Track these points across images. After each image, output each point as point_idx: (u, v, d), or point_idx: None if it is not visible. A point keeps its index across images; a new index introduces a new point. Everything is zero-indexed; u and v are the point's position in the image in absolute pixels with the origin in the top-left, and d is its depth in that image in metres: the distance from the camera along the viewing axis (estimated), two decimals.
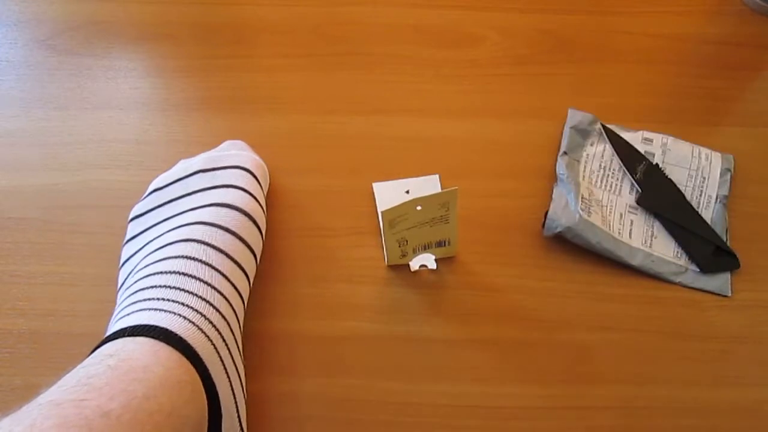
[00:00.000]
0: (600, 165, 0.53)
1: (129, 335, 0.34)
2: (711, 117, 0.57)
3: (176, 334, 0.34)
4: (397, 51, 0.60)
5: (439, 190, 0.52)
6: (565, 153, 0.52)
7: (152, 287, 0.38)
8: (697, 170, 0.53)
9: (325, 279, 0.48)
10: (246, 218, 0.44)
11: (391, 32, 0.61)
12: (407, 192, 0.52)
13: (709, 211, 0.51)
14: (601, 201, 0.51)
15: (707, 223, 0.50)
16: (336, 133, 0.55)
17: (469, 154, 0.54)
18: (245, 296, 0.43)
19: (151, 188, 0.47)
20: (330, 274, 0.48)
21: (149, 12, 0.62)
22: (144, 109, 0.56)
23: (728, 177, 0.52)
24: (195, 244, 0.41)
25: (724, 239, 0.50)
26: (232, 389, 0.38)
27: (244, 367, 0.42)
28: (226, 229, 0.42)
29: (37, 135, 0.54)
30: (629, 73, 0.59)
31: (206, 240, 0.41)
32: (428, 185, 0.52)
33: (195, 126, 0.55)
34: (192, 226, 0.42)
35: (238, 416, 0.38)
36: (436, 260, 0.48)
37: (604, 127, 0.54)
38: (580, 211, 0.49)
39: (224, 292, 0.39)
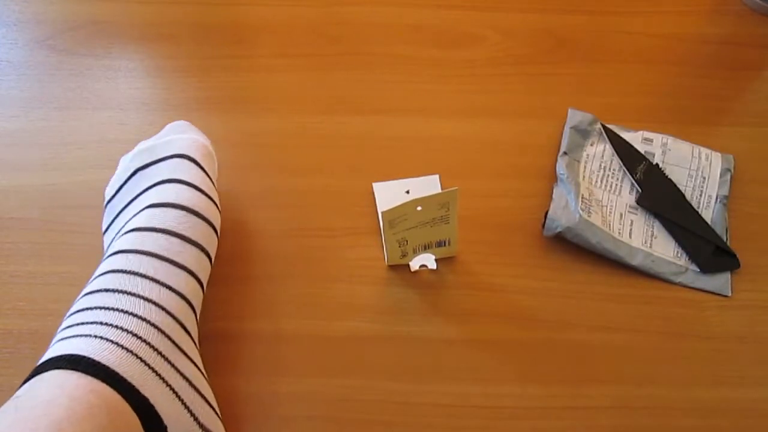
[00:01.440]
0: (600, 165, 0.53)
1: (39, 372, 0.33)
2: (711, 117, 0.57)
3: (87, 358, 0.33)
4: (397, 51, 0.60)
5: (439, 190, 0.52)
6: (565, 153, 0.52)
7: (76, 312, 0.37)
8: (697, 170, 0.53)
9: (325, 279, 0.48)
10: (185, 213, 0.42)
11: (391, 32, 0.61)
12: (407, 192, 0.52)
13: (709, 211, 0.51)
14: (601, 201, 0.51)
15: (707, 223, 0.50)
16: (336, 133, 0.55)
17: (469, 154, 0.54)
18: (192, 294, 0.40)
19: (105, 200, 0.46)
20: (330, 274, 0.48)
21: (149, 12, 0.62)
22: (144, 109, 0.56)
23: (728, 177, 0.52)
24: (122, 256, 0.39)
25: (724, 239, 0.50)
26: (179, 396, 0.36)
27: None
28: (162, 230, 0.40)
29: (37, 135, 0.54)
30: (629, 73, 0.59)
31: (135, 248, 0.39)
32: (428, 185, 0.52)
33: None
34: (125, 236, 0.40)
35: (196, 420, 0.37)
36: (436, 260, 0.48)
37: (604, 127, 0.54)
38: (580, 211, 0.49)
39: (155, 298, 0.38)
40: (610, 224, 0.50)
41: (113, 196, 0.45)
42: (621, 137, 0.54)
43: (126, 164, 0.46)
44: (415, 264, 0.48)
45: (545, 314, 0.47)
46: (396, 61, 0.59)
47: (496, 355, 0.45)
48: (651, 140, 0.54)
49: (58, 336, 0.36)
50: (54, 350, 0.34)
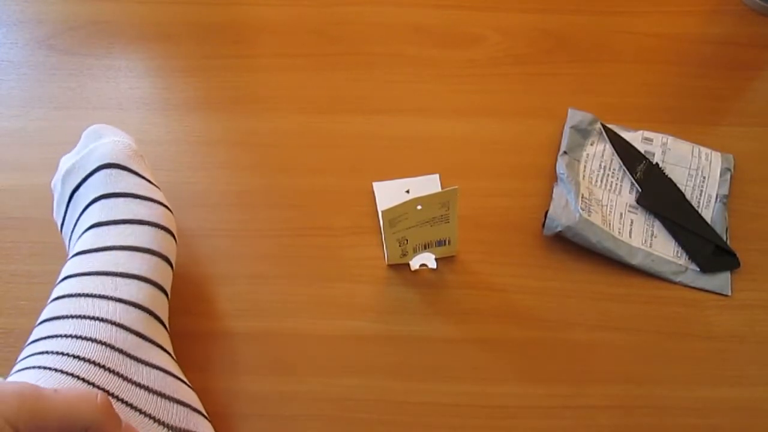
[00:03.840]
0: (600, 164, 0.53)
1: None
2: (711, 117, 0.57)
3: None
4: (397, 51, 0.60)
5: (440, 189, 0.52)
6: (565, 152, 0.52)
7: (29, 344, 0.37)
8: (697, 170, 0.53)
9: (325, 278, 0.48)
10: (126, 225, 0.41)
11: (391, 32, 0.61)
12: (407, 192, 0.52)
13: (709, 210, 0.51)
14: (601, 200, 0.51)
15: (707, 223, 0.50)
16: (336, 133, 0.55)
17: (469, 154, 0.54)
18: (147, 299, 0.39)
19: (58, 228, 0.45)
20: (330, 273, 0.48)
21: (149, 12, 0.62)
22: (144, 109, 0.56)
23: (728, 176, 0.52)
24: (67, 281, 0.39)
25: (724, 239, 0.50)
26: (135, 407, 0.36)
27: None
28: (105, 248, 0.40)
29: (37, 135, 0.54)
30: (629, 73, 0.59)
31: (80, 271, 0.39)
32: (428, 185, 0.52)
33: (195, 126, 0.55)
34: (70, 261, 0.40)
35: (164, 424, 0.36)
36: (436, 259, 0.48)
37: (604, 126, 0.54)
38: (580, 211, 0.49)
39: (102, 315, 0.37)
40: (610, 224, 0.50)
41: (62, 223, 0.44)
42: (621, 137, 0.54)
43: (60, 189, 0.44)
44: (415, 263, 0.48)
45: (545, 314, 0.47)
46: (396, 61, 0.59)
47: (496, 355, 0.45)
48: (651, 140, 0.54)
49: (15, 368, 0.36)
50: None
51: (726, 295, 0.48)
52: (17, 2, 0.63)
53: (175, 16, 0.62)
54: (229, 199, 0.51)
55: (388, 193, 0.51)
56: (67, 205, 0.44)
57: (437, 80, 0.58)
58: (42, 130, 0.55)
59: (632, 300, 0.48)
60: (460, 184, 0.48)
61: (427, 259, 0.48)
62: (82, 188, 0.43)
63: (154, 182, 0.45)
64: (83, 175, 0.43)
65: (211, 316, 0.46)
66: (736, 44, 0.61)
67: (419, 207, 0.42)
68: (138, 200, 0.42)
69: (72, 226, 0.43)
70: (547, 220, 0.49)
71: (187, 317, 0.46)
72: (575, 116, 0.55)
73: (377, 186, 0.52)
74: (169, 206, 0.44)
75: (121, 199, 0.42)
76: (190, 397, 0.39)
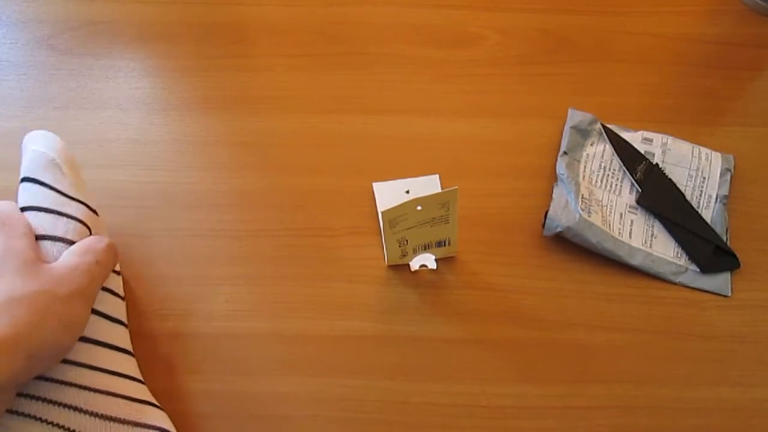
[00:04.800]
0: (600, 165, 0.53)
1: None
2: (711, 117, 0.57)
3: None
4: (397, 51, 0.60)
5: (439, 190, 0.52)
6: (565, 153, 0.52)
7: None
8: (697, 170, 0.53)
9: (325, 279, 0.48)
10: (39, 241, 0.38)
11: (391, 32, 0.61)
12: (407, 192, 0.52)
13: (709, 210, 0.51)
14: (601, 201, 0.51)
15: (707, 223, 0.50)
16: (336, 133, 0.55)
17: (469, 154, 0.54)
18: None
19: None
20: (330, 273, 0.48)
21: (149, 12, 0.62)
22: (144, 109, 0.56)
23: (728, 177, 0.52)
24: None
25: (724, 239, 0.50)
26: (61, 426, 0.36)
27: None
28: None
29: None
30: (629, 73, 0.59)
31: None
32: (428, 185, 0.52)
33: (195, 126, 0.55)
34: None
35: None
36: (436, 260, 0.48)
37: (604, 127, 0.54)
38: (580, 211, 0.49)
39: None
40: (610, 224, 0.50)
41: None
42: (621, 137, 0.54)
43: None
44: (415, 264, 0.48)
45: (545, 314, 0.47)
46: (396, 61, 0.59)
47: (496, 355, 0.45)
48: (651, 140, 0.54)
49: None
50: None
51: (726, 296, 0.48)
52: (17, 2, 0.62)
53: (175, 16, 0.62)
54: (229, 199, 0.51)
55: (388, 194, 0.51)
56: None
57: (437, 80, 0.58)
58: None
59: (632, 300, 0.48)
60: (460, 185, 0.48)
61: (427, 259, 0.48)
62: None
63: (69, 194, 0.41)
64: (17, 191, 0.41)
65: (210, 316, 0.46)
66: (736, 44, 0.61)
67: (419, 207, 0.42)
68: (47, 214, 0.40)
69: None
70: (547, 221, 0.49)
71: (185, 318, 0.46)
72: (575, 116, 0.55)
73: (377, 186, 0.52)
74: (83, 219, 0.41)
75: (31, 213, 0.39)
76: (123, 406, 0.38)
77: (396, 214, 0.42)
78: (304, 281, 0.48)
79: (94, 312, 0.40)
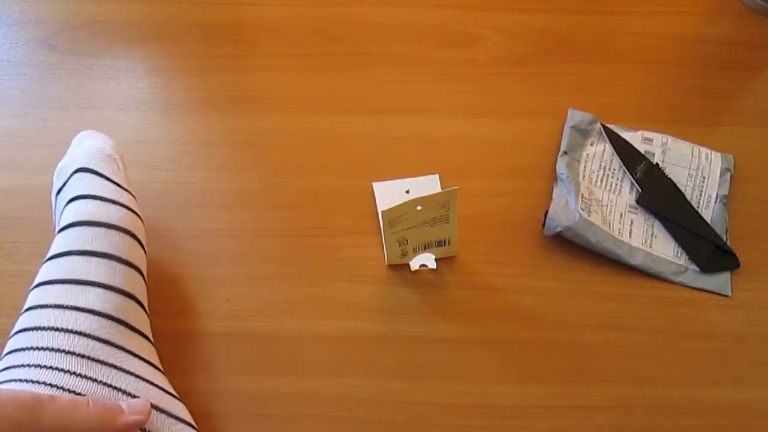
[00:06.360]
0: (600, 165, 0.53)
1: None
2: (711, 117, 0.57)
3: None
4: (396, 51, 0.60)
5: (439, 189, 0.52)
6: (565, 153, 0.52)
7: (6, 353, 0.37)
8: (697, 170, 0.53)
9: (325, 278, 0.48)
10: (84, 227, 0.40)
11: (390, 32, 0.61)
12: (407, 192, 0.52)
13: (709, 210, 0.51)
14: (601, 200, 0.51)
15: (707, 223, 0.50)
16: (336, 133, 0.55)
17: (469, 154, 0.54)
18: (109, 306, 0.39)
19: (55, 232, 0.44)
20: (330, 273, 0.48)
21: (149, 12, 0.62)
22: (144, 109, 0.56)
23: (728, 177, 0.52)
24: (34, 291, 0.39)
25: (724, 239, 0.50)
26: None
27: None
28: (63, 254, 0.39)
29: (37, 135, 0.54)
30: (629, 73, 0.59)
31: (41, 280, 0.39)
32: (428, 185, 0.52)
33: (195, 126, 0.55)
34: (40, 268, 0.40)
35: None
36: (436, 260, 0.48)
37: (604, 126, 0.54)
38: (580, 211, 0.49)
39: (61, 325, 0.37)
40: (610, 224, 0.50)
41: (54, 226, 0.44)
42: (621, 137, 0.54)
43: (52, 194, 0.45)
44: (415, 263, 0.48)
45: (545, 314, 0.47)
46: (396, 61, 0.59)
47: (496, 355, 0.45)
48: (651, 140, 0.54)
49: None
50: None
51: (726, 295, 0.48)
52: (17, 2, 0.62)
53: (175, 16, 0.62)
54: (229, 199, 0.51)
55: (388, 193, 0.51)
56: (54, 209, 0.44)
57: (437, 80, 0.58)
58: (42, 130, 0.55)
59: (632, 300, 0.48)
60: (460, 184, 0.48)
61: (427, 259, 0.48)
62: (62, 192, 0.43)
63: (124, 186, 0.44)
64: (63, 180, 0.43)
65: (210, 316, 0.46)
66: (736, 44, 0.61)
67: (419, 207, 0.42)
68: (99, 202, 0.41)
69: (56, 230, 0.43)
70: (547, 220, 0.49)
71: (186, 318, 0.46)
72: (575, 116, 0.55)
73: (377, 186, 0.52)
74: (136, 210, 0.43)
75: (83, 201, 0.41)
76: (173, 405, 0.39)
77: (396, 214, 0.42)
78: (304, 281, 0.48)
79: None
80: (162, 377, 0.40)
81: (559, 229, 0.48)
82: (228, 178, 0.52)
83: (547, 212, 0.49)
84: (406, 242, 0.46)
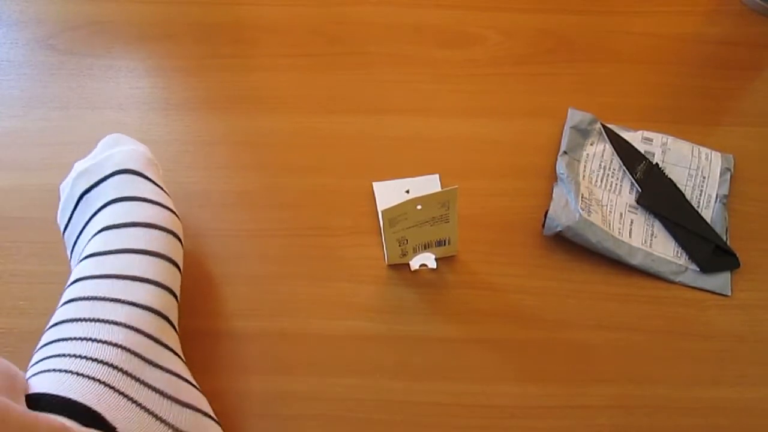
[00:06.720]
0: (600, 164, 0.53)
1: None
2: (711, 117, 0.57)
3: (45, 395, 0.33)
4: (396, 51, 0.60)
5: (439, 189, 0.52)
6: (565, 152, 0.52)
7: (41, 347, 0.37)
8: (697, 170, 0.53)
9: (325, 278, 0.48)
10: (140, 228, 0.41)
11: (390, 32, 0.61)
12: (407, 192, 0.52)
13: (708, 210, 0.51)
14: (601, 200, 0.51)
15: (707, 223, 0.50)
16: (336, 133, 0.55)
17: (469, 154, 0.54)
18: (159, 303, 0.40)
19: (61, 230, 0.45)
20: (330, 273, 0.48)
21: (149, 12, 0.62)
22: (144, 109, 0.56)
23: (728, 176, 0.52)
24: (80, 284, 0.39)
25: (724, 239, 0.50)
26: (147, 409, 0.36)
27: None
28: (118, 251, 0.40)
29: (37, 135, 0.54)
30: (629, 73, 0.59)
31: (91, 274, 0.39)
32: (428, 185, 0.52)
33: (195, 126, 0.55)
34: (82, 263, 0.40)
35: (172, 427, 0.37)
36: (436, 259, 0.48)
37: (604, 126, 0.54)
38: (580, 211, 0.49)
39: (115, 318, 0.37)
40: (610, 223, 0.50)
41: (67, 225, 0.44)
42: (621, 137, 0.54)
43: (69, 190, 0.44)
44: (415, 263, 0.48)
45: (545, 314, 0.47)
46: (396, 61, 0.59)
47: (496, 355, 0.45)
48: (651, 140, 0.54)
49: (31, 367, 0.36)
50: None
51: (726, 295, 0.48)
52: (17, 2, 0.63)
53: (175, 16, 0.62)
54: (229, 199, 0.51)
55: (388, 193, 0.51)
56: (75, 207, 0.44)
57: (437, 80, 0.58)
58: (42, 130, 0.55)
59: (632, 300, 0.48)
60: (460, 184, 0.48)
61: (427, 259, 0.48)
62: (94, 191, 0.43)
63: (165, 190, 0.45)
64: (97, 179, 0.43)
65: (210, 316, 0.46)
66: (736, 44, 0.61)
67: (419, 207, 0.42)
68: (151, 204, 0.43)
69: (80, 229, 0.43)
70: (547, 220, 0.49)
71: (185, 317, 0.46)
72: (575, 116, 0.55)
73: (377, 186, 0.52)
74: (177, 213, 0.45)
75: (136, 203, 0.42)
76: (200, 401, 0.40)
77: (396, 214, 0.42)
78: (304, 281, 0.48)
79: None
80: (188, 370, 0.41)
81: (559, 229, 0.48)
82: (228, 178, 0.52)
83: (547, 212, 0.49)
84: (406, 242, 0.46)
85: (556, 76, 0.59)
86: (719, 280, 0.48)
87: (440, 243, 0.47)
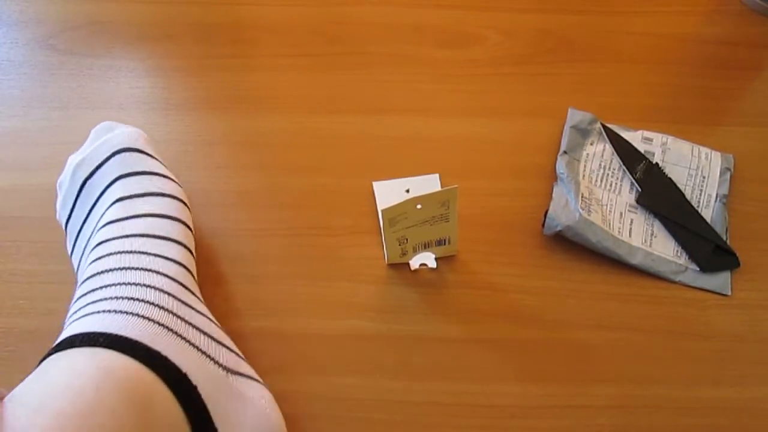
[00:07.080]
0: (600, 164, 0.53)
1: (57, 351, 0.33)
2: (711, 117, 0.57)
3: (100, 333, 0.34)
4: (396, 51, 0.60)
5: (439, 189, 0.52)
6: (565, 152, 0.52)
7: (79, 298, 0.38)
8: (697, 169, 0.53)
9: (325, 278, 0.48)
10: (155, 197, 0.43)
11: (390, 32, 0.61)
12: (407, 191, 0.52)
13: (708, 210, 0.51)
14: (601, 200, 0.51)
15: (707, 222, 0.50)
16: (336, 133, 0.55)
17: (469, 154, 0.54)
18: (185, 260, 0.41)
19: (62, 223, 0.45)
20: (330, 273, 0.48)
21: (149, 12, 0.62)
22: (144, 109, 0.56)
23: (728, 176, 0.52)
24: (104, 245, 0.40)
25: (724, 238, 0.50)
26: (197, 347, 0.37)
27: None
28: (139, 215, 0.41)
29: (37, 135, 0.54)
30: (629, 73, 0.59)
31: (115, 235, 0.40)
32: (428, 184, 0.52)
33: (195, 126, 0.55)
34: (101, 230, 0.41)
35: (218, 364, 0.37)
36: (436, 259, 0.48)
37: (604, 126, 0.54)
38: (580, 210, 0.49)
39: (149, 266, 0.39)
40: (610, 223, 0.50)
41: (69, 216, 0.45)
42: (621, 136, 0.54)
43: (68, 183, 0.45)
44: (415, 263, 0.48)
45: (545, 314, 0.47)
46: (396, 61, 0.59)
47: (496, 355, 0.45)
48: (651, 139, 0.54)
49: (68, 321, 0.37)
50: (68, 331, 0.35)
51: (726, 295, 0.48)
52: (17, 2, 0.63)
53: (175, 16, 0.62)
54: (229, 199, 0.51)
55: (388, 193, 0.51)
56: (77, 197, 0.44)
57: (437, 80, 0.58)
58: (42, 130, 0.55)
59: (632, 300, 0.48)
60: (460, 184, 0.48)
61: (427, 258, 0.48)
62: (96, 175, 0.44)
63: (164, 163, 0.47)
64: (96, 164, 0.44)
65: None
66: (736, 44, 0.61)
67: (419, 206, 0.42)
68: (158, 177, 0.44)
69: (85, 213, 0.44)
70: (547, 220, 0.49)
71: None
72: (575, 116, 0.55)
73: (377, 186, 0.52)
74: (179, 183, 0.46)
75: (145, 176, 0.44)
76: (231, 343, 0.41)
77: (396, 213, 0.42)
78: (304, 280, 0.48)
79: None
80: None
81: (559, 229, 0.48)
82: (228, 178, 0.52)
83: (547, 212, 0.49)
84: (406, 241, 0.46)
85: (556, 76, 0.59)
86: (719, 280, 0.48)
87: (440, 242, 0.47)
